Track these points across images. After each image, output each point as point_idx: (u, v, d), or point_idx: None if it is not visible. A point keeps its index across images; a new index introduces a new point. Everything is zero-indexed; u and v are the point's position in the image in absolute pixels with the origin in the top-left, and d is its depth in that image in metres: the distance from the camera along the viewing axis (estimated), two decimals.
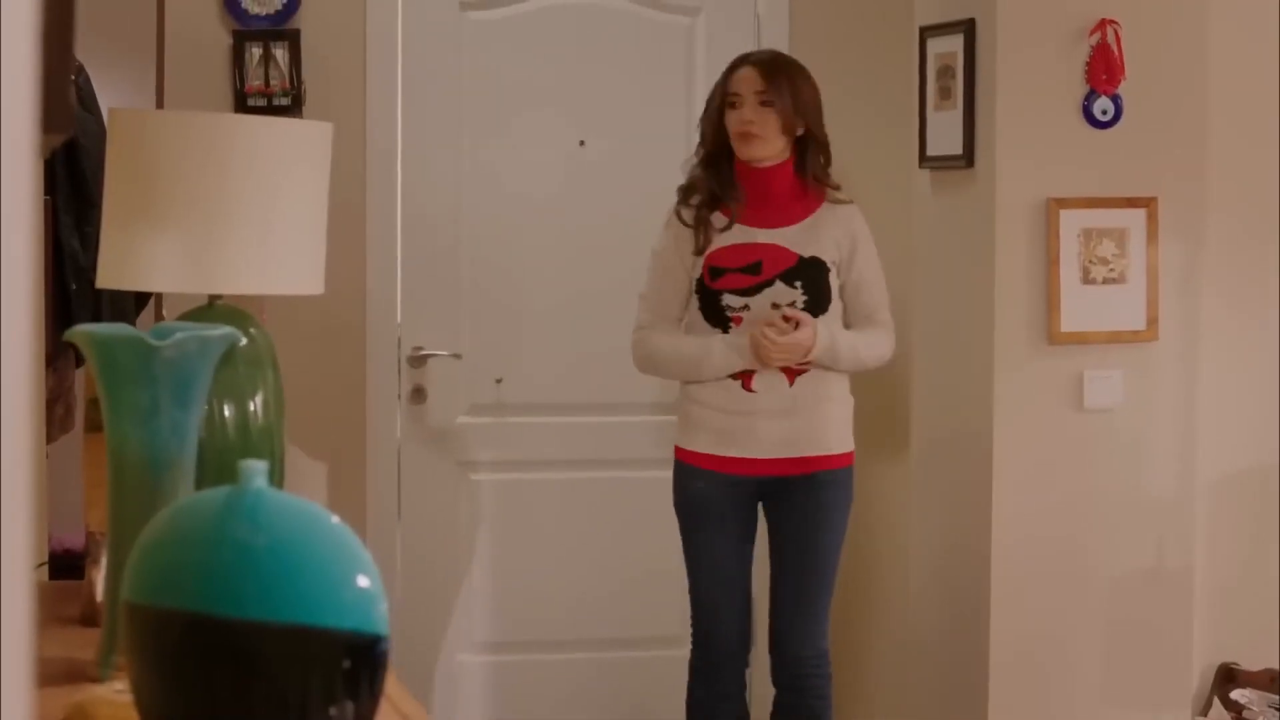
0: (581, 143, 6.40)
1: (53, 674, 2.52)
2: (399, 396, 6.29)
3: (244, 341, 2.89)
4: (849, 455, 5.17)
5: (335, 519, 1.75)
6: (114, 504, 2.46)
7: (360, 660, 1.70)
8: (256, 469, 1.72)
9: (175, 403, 2.37)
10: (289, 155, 2.93)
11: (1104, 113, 4.98)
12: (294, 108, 6.06)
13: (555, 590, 6.46)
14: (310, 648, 1.67)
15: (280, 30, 6.04)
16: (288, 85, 6.04)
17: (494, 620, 6.43)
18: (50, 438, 5.33)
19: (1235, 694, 5.39)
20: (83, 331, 2.42)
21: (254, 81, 6.03)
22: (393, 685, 1.99)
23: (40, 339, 4.71)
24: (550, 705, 6.47)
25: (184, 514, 1.77)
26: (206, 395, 2.44)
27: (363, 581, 1.71)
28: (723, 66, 6.38)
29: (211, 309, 2.99)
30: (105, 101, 5.94)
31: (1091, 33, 4.97)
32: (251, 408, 2.96)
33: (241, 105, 6.03)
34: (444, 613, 6.38)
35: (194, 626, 1.67)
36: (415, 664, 6.33)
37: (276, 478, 3.00)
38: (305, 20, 6.09)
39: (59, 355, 5.36)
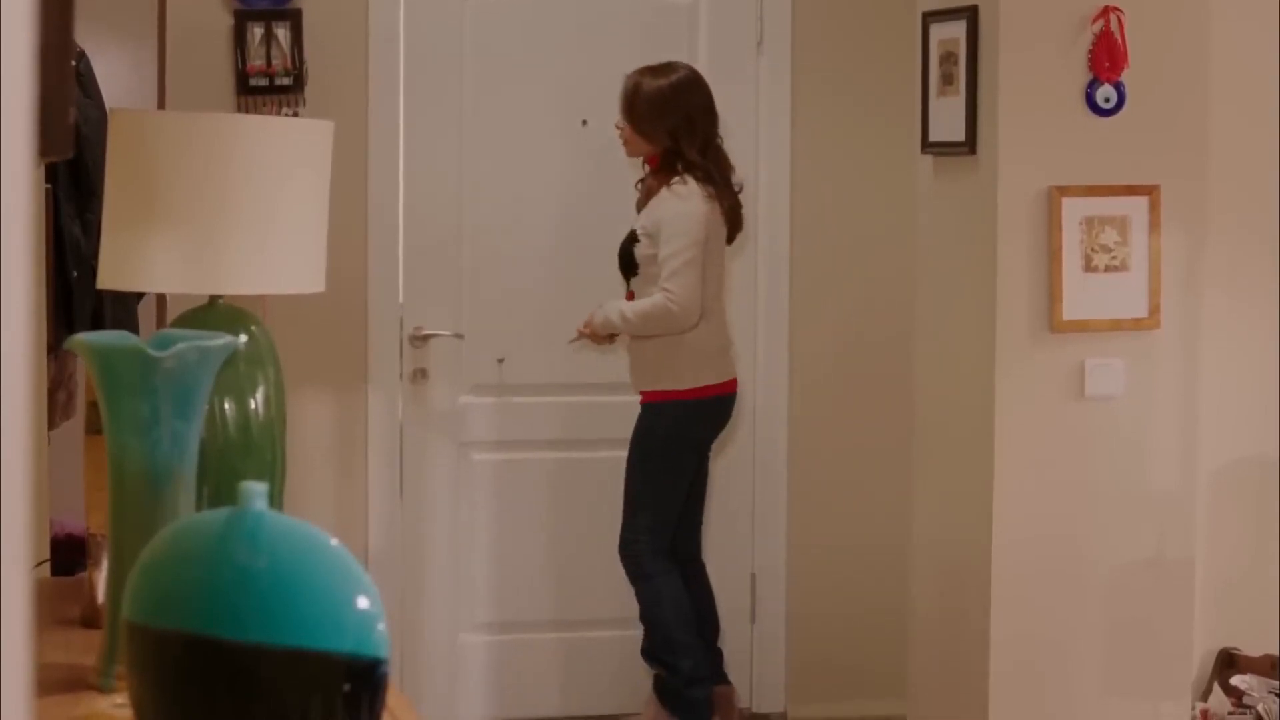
0: (584, 122, 6.40)
1: (53, 680, 2.52)
2: (401, 377, 6.30)
3: (244, 339, 2.88)
4: (645, 395, 5.99)
5: (334, 541, 1.75)
6: (115, 514, 2.46)
7: (360, 683, 1.69)
8: (256, 491, 1.72)
9: (176, 413, 2.37)
10: (290, 155, 2.92)
11: (1106, 100, 4.97)
12: (295, 88, 6.05)
13: (557, 570, 6.47)
14: (310, 671, 1.67)
15: (282, 10, 6.03)
16: (289, 65, 6.03)
17: (495, 600, 6.44)
18: (52, 424, 5.33)
19: (1235, 679, 5.39)
20: (82, 341, 2.41)
21: (255, 61, 6.02)
22: (394, 697, 1.99)
23: (41, 327, 4.71)
24: (551, 684, 6.48)
25: (184, 535, 1.77)
26: (207, 404, 2.44)
27: (362, 603, 1.71)
28: (725, 46, 6.43)
29: (213, 307, 2.99)
30: (106, 83, 5.92)
31: (1094, 20, 4.95)
32: (252, 405, 2.95)
33: (243, 85, 6.03)
34: (445, 593, 6.39)
35: (194, 647, 1.67)
36: (416, 643, 6.35)
37: (278, 473, 3.00)
38: (307, 0, 6.09)
39: (60, 343, 5.35)
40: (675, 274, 5.76)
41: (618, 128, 5.94)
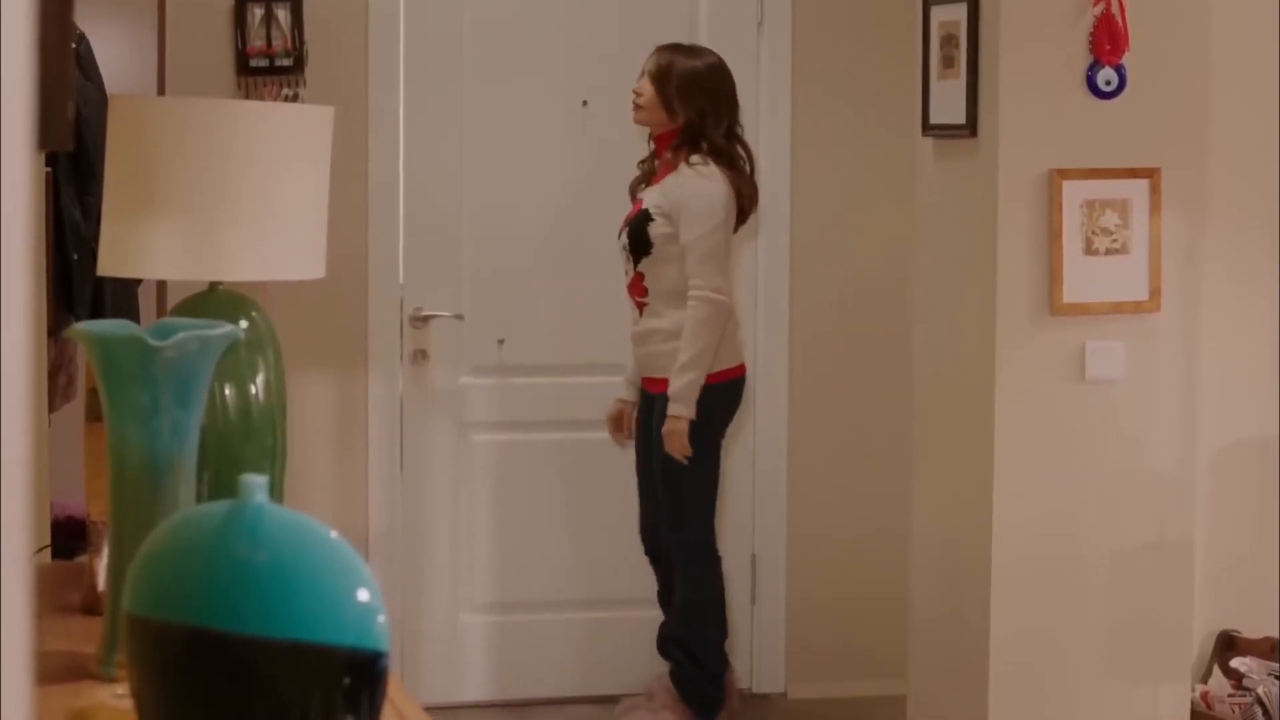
0: (584, 103, 6.40)
1: (54, 668, 2.52)
2: (401, 358, 6.30)
3: (244, 325, 2.89)
4: (662, 386, 5.91)
5: (334, 534, 1.75)
6: (115, 503, 2.47)
7: (361, 677, 1.69)
8: (256, 484, 1.72)
9: (176, 402, 2.37)
10: (291, 142, 2.92)
11: (1107, 83, 4.96)
12: (296, 68, 6.05)
13: (558, 551, 6.47)
14: (311, 664, 1.67)
15: None
16: (289, 46, 6.03)
17: (496, 581, 6.44)
18: (53, 407, 5.34)
19: (1235, 662, 5.40)
20: (83, 330, 2.42)
21: (256, 42, 6.02)
22: (394, 688, 1.99)
23: (41, 310, 4.71)
24: (551, 665, 6.49)
25: (184, 527, 1.77)
26: (207, 393, 2.45)
27: (363, 596, 1.71)
28: (725, 24, 6.43)
29: (213, 293, 2.99)
30: (106, 64, 5.92)
31: (1095, 3, 4.94)
32: (253, 390, 2.96)
33: (243, 66, 6.02)
34: (446, 573, 6.40)
35: (195, 640, 1.67)
36: (417, 624, 6.35)
37: (279, 457, 3.00)
38: None
39: (60, 326, 5.35)
40: (706, 257, 5.76)
41: (636, 93, 5.89)
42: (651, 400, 5.96)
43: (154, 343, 2.36)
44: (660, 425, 5.86)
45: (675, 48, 5.92)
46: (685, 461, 5.79)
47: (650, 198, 5.86)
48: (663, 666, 6.11)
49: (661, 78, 5.84)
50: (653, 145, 5.96)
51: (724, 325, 5.80)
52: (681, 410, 5.76)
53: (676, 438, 5.77)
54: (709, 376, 5.84)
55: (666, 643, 6.05)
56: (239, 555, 1.68)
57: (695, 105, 5.81)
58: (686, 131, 5.83)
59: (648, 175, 5.97)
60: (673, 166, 5.86)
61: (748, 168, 5.90)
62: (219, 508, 1.74)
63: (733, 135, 5.88)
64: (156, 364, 2.35)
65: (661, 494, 5.95)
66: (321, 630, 1.66)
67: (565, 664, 6.49)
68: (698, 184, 5.78)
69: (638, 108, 5.89)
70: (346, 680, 1.68)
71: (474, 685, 6.44)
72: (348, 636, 1.67)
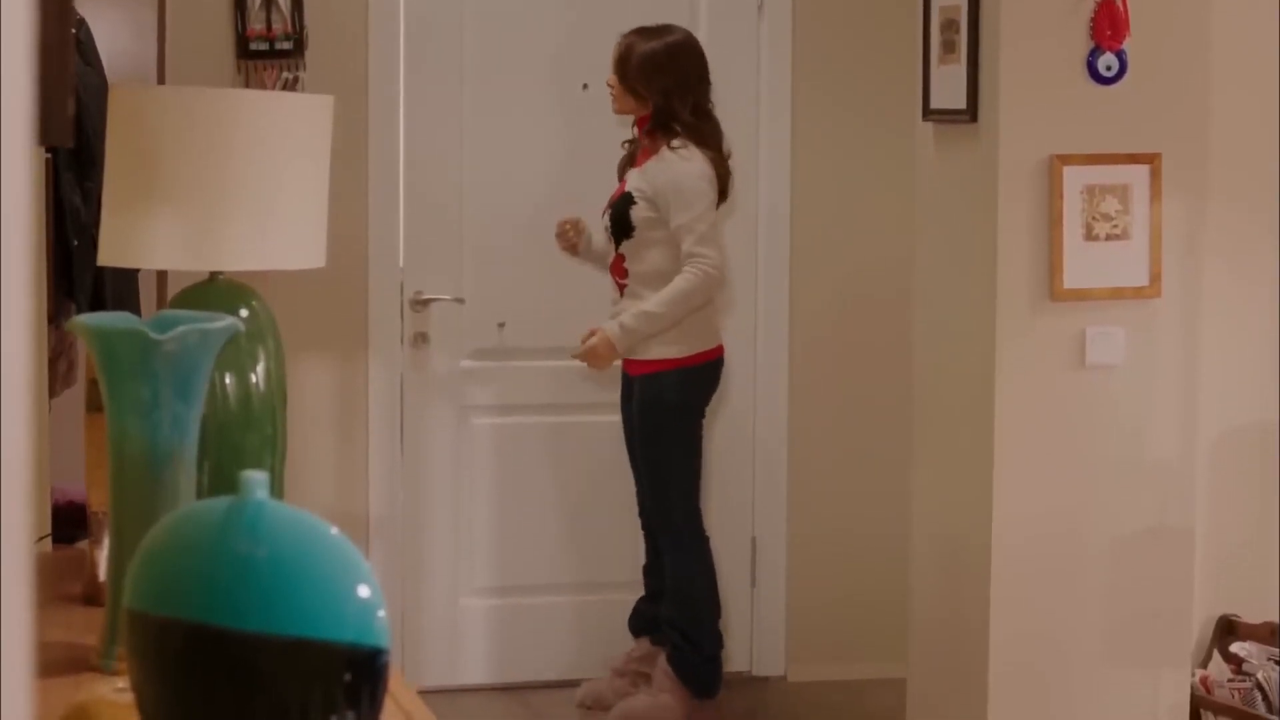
0: (584, 86, 6.39)
1: (54, 661, 2.52)
2: (401, 342, 6.30)
3: (244, 314, 2.89)
4: (641, 365, 5.97)
5: (335, 530, 1.75)
6: (115, 496, 2.47)
7: (361, 672, 1.70)
8: (257, 480, 1.72)
9: (176, 396, 2.37)
10: (291, 133, 2.92)
11: (1108, 69, 4.95)
12: (296, 51, 6.04)
13: (558, 534, 6.48)
14: (311, 660, 1.67)
15: None
16: (289, 29, 6.02)
17: (496, 564, 6.45)
18: (53, 393, 5.33)
19: (1235, 647, 5.40)
20: (83, 323, 2.41)
21: (256, 25, 6.01)
22: (394, 681, 1.99)
23: (41, 296, 4.71)
24: (552, 648, 6.49)
25: (185, 523, 1.77)
26: (207, 386, 2.45)
27: (363, 592, 1.71)
28: (725, 8, 6.42)
29: (213, 282, 2.99)
30: (106, 46, 5.91)
31: None
32: (253, 379, 2.96)
33: (243, 49, 6.02)
34: (446, 556, 6.40)
35: (195, 636, 1.67)
36: (417, 608, 6.36)
37: (279, 446, 3.00)
38: None
39: (60, 312, 5.35)
40: (704, 239, 5.79)
41: (609, 85, 5.94)
42: (631, 382, 6.00)
43: (154, 336, 2.36)
44: (640, 407, 5.93)
45: (636, 31, 5.95)
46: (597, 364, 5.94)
47: (633, 180, 5.91)
48: (631, 644, 6.15)
49: (622, 64, 5.90)
50: (635, 129, 5.98)
51: (702, 301, 5.83)
52: (613, 341, 5.84)
53: (593, 357, 5.90)
54: (687, 359, 5.88)
55: (650, 623, 6.12)
56: (239, 551, 1.68)
57: (658, 87, 5.85)
58: (657, 115, 5.87)
59: (632, 155, 6.01)
60: (652, 151, 5.89)
61: (721, 144, 5.92)
62: (219, 504, 1.75)
63: (701, 111, 5.89)
64: (157, 357, 2.35)
65: (644, 480, 5.98)
66: (322, 626, 1.67)
67: (565, 647, 6.50)
68: (680, 166, 5.82)
69: (614, 98, 5.95)
70: (347, 676, 1.68)
71: (474, 668, 6.45)
72: (348, 633, 1.67)
